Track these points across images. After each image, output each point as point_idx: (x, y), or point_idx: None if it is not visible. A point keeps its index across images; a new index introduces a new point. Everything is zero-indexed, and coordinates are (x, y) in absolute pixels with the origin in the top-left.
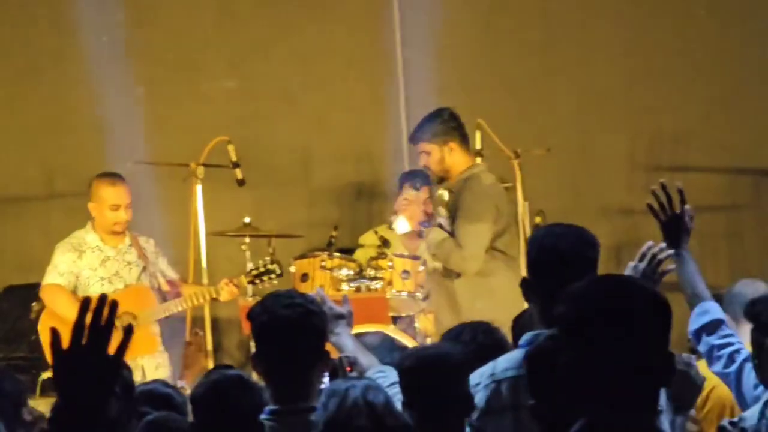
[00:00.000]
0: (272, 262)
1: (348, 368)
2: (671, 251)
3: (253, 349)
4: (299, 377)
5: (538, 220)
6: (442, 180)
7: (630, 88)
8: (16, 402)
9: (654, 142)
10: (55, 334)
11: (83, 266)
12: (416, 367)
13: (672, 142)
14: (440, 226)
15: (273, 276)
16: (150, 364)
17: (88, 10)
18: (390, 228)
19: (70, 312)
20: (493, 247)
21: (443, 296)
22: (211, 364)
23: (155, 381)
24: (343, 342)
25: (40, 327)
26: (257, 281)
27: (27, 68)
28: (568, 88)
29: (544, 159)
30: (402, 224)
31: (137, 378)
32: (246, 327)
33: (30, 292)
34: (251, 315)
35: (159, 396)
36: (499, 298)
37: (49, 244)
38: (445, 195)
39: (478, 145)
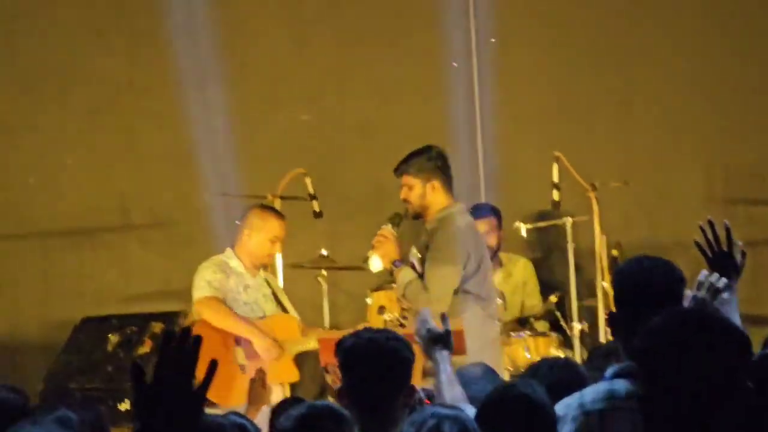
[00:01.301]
0: (405, 318)
1: (427, 401)
2: (726, 280)
3: (329, 381)
4: (385, 406)
5: (614, 252)
6: (418, 216)
7: (706, 120)
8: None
9: (730, 175)
10: (137, 367)
11: (230, 288)
12: (499, 407)
13: (749, 175)
14: (412, 266)
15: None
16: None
17: (164, 42)
18: (363, 264)
19: (234, 323)
20: (463, 290)
21: None
22: (281, 395)
23: (230, 412)
24: (438, 369)
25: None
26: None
27: (104, 99)
28: (644, 120)
29: (621, 192)
30: (375, 262)
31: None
32: (324, 358)
33: (106, 324)
34: (340, 343)
35: (235, 426)
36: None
37: (125, 276)
38: (416, 254)
39: (555, 179)
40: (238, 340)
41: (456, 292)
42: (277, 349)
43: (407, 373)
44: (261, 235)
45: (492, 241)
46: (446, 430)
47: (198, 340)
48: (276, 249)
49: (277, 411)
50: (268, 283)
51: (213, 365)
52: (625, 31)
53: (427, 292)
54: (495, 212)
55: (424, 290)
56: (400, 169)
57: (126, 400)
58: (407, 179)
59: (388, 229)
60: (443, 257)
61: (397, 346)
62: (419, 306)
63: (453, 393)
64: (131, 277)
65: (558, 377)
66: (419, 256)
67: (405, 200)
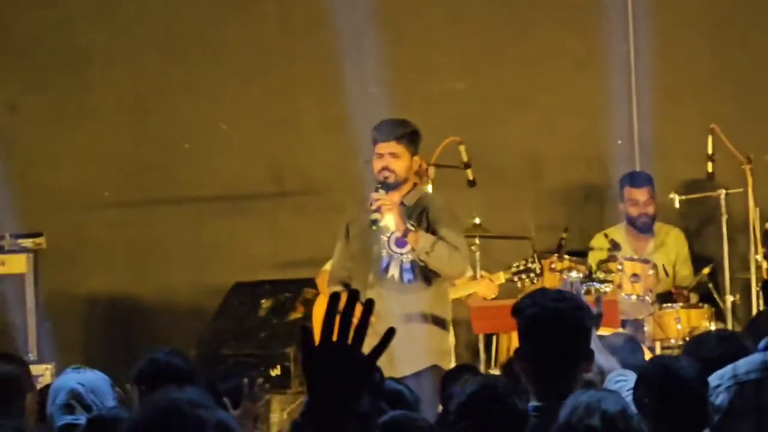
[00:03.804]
0: (534, 261)
1: None
2: None
3: (481, 350)
4: (564, 373)
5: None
6: (393, 186)
7: None
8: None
9: None
10: (306, 330)
11: None
12: (655, 378)
13: None
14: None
15: (533, 275)
16: None
17: (318, 10)
18: (373, 227)
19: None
20: None
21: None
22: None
23: (388, 378)
24: None
25: (314, 312)
26: (515, 278)
27: (257, 67)
28: None
29: None
30: (391, 222)
31: None
32: (477, 327)
33: (258, 290)
34: (518, 308)
35: (390, 393)
36: None
37: (277, 242)
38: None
39: (709, 150)
40: None
41: None
42: None
43: (588, 340)
44: None
45: (651, 209)
46: (609, 408)
47: (370, 304)
48: None
49: (451, 377)
50: None
51: (390, 332)
52: None
53: (459, 251)
54: (651, 181)
55: (455, 249)
56: (393, 135)
57: (278, 366)
58: (396, 147)
59: (384, 195)
60: (458, 226)
61: (579, 315)
62: (453, 266)
63: (608, 362)
64: (283, 244)
65: (724, 348)
66: (413, 223)
67: (386, 168)
